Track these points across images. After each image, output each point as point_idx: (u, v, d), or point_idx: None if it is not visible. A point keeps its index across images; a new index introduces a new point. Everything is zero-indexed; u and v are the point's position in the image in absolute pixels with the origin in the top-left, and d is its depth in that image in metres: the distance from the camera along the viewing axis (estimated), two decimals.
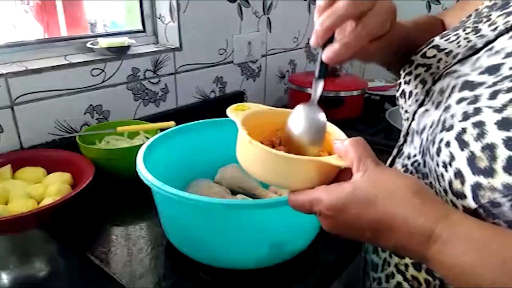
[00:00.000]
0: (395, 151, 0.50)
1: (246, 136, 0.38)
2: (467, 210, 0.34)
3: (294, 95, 1.23)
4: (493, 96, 0.34)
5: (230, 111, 0.44)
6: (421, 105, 0.45)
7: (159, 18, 1.03)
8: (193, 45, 1.04)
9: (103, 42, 0.89)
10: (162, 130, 0.69)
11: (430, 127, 0.41)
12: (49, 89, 0.80)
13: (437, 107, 0.41)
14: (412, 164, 0.45)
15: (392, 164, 0.50)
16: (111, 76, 0.90)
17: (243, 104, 0.46)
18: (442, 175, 0.36)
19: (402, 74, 0.50)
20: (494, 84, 0.35)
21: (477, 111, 0.34)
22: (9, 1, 0.96)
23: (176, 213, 0.54)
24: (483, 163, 0.32)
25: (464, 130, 0.34)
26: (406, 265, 0.43)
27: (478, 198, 0.33)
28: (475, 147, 0.33)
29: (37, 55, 0.85)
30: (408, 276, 0.43)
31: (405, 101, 0.50)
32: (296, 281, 0.54)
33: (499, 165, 0.31)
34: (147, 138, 0.82)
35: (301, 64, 1.44)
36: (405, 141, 0.48)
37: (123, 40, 0.92)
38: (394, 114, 1.08)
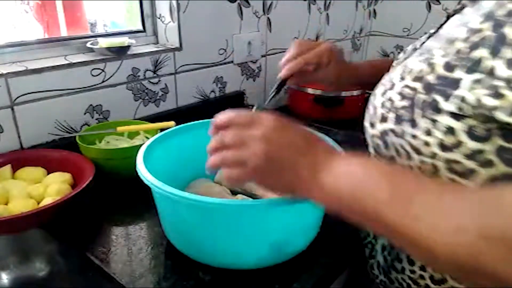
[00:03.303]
0: None
1: None
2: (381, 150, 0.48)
3: (294, 95, 1.23)
4: (387, 78, 0.49)
5: None
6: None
7: (159, 18, 1.03)
8: (193, 45, 1.04)
9: (103, 42, 0.89)
10: (162, 130, 0.69)
11: None
12: (49, 89, 0.80)
13: None
14: None
15: None
16: (111, 76, 0.90)
17: None
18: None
19: None
20: (396, 71, 0.49)
21: (378, 87, 0.50)
22: (9, 1, 0.96)
23: (176, 213, 0.54)
24: (373, 119, 0.48)
25: (371, 100, 0.51)
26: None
27: (373, 144, 0.49)
28: (371, 110, 0.49)
29: (37, 55, 0.85)
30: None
31: None
32: (296, 281, 0.54)
33: (377, 119, 0.47)
34: (147, 138, 0.82)
35: None
36: None
37: (123, 40, 0.92)
38: None
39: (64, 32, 1.06)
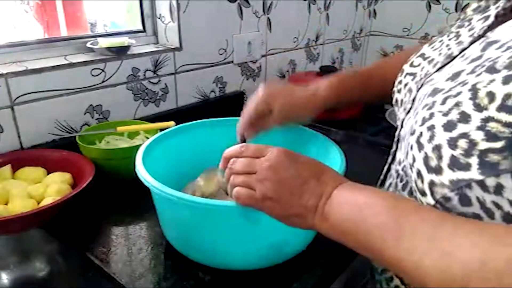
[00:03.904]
0: (390, 158, 0.53)
1: None
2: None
3: None
4: (444, 101, 0.37)
5: None
6: (408, 113, 0.47)
7: (159, 18, 1.03)
8: (193, 45, 1.04)
9: (103, 42, 0.89)
10: (162, 130, 0.69)
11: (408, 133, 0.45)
12: (49, 89, 0.80)
13: (415, 114, 0.44)
14: (402, 169, 0.47)
15: (388, 170, 0.53)
16: (111, 76, 0.90)
17: None
18: (411, 176, 0.40)
19: (396, 83, 0.53)
20: (450, 89, 0.38)
21: (431, 116, 0.38)
22: (9, 1, 0.96)
23: (176, 214, 0.54)
24: (433, 162, 0.36)
25: (421, 134, 0.38)
26: None
27: (434, 195, 0.36)
28: (428, 148, 0.36)
29: (37, 55, 0.85)
30: (405, 281, 0.46)
31: (398, 109, 0.53)
32: (296, 281, 0.54)
33: (444, 163, 0.35)
34: (147, 138, 0.82)
35: (301, 64, 1.44)
36: (397, 147, 0.51)
37: (123, 40, 0.92)
38: (394, 114, 1.08)
39: (64, 32, 1.05)
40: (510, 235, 0.29)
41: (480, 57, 0.38)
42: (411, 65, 0.51)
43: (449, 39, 0.47)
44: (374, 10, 1.71)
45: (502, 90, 0.32)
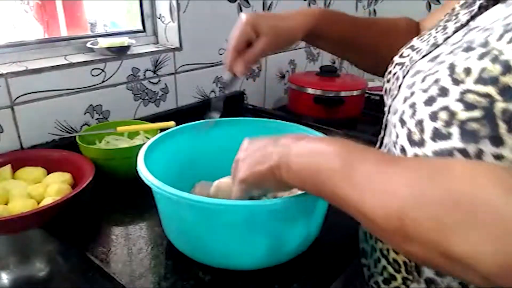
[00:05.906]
0: (378, 144, 0.55)
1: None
2: None
3: (294, 95, 1.23)
4: (423, 79, 0.40)
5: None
6: (394, 99, 0.49)
7: (159, 18, 1.03)
8: (193, 45, 1.04)
9: (103, 42, 0.89)
10: (162, 130, 0.69)
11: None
12: (49, 89, 0.80)
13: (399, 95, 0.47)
14: (387, 151, 0.50)
15: None
16: (111, 76, 0.90)
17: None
18: (394, 153, 0.44)
19: (386, 74, 0.55)
20: (429, 69, 0.41)
21: (412, 94, 0.41)
22: (9, 1, 0.96)
23: (177, 213, 0.54)
24: (416, 136, 0.39)
25: (403, 112, 0.41)
26: (388, 250, 0.48)
27: None
28: (411, 124, 0.40)
29: (37, 55, 0.85)
30: (390, 259, 0.48)
31: (386, 98, 0.54)
32: (296, 281, 0.54)
33: (427, 136, 0.38)
34: (147, 138, 0.82)
35: (301, 64, 1.44)
36: (384, 133, 0.53)
37: (123, 40, 0.92)
38: None
39: (64, 32, 1.06)
40: (446, 167, 0.31)
41: (459, 41, 0.40)
42: (401, 56, 0.53)
43: (437, 32, 0.49)
44: (374, 10, 1.71)
45: (477, 65, 0.35)
